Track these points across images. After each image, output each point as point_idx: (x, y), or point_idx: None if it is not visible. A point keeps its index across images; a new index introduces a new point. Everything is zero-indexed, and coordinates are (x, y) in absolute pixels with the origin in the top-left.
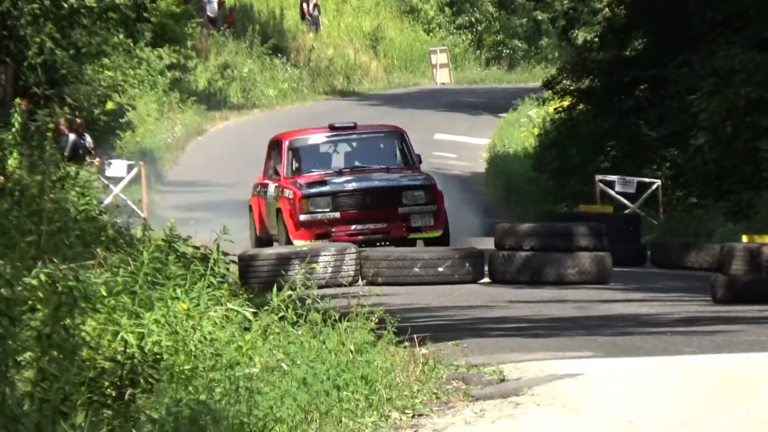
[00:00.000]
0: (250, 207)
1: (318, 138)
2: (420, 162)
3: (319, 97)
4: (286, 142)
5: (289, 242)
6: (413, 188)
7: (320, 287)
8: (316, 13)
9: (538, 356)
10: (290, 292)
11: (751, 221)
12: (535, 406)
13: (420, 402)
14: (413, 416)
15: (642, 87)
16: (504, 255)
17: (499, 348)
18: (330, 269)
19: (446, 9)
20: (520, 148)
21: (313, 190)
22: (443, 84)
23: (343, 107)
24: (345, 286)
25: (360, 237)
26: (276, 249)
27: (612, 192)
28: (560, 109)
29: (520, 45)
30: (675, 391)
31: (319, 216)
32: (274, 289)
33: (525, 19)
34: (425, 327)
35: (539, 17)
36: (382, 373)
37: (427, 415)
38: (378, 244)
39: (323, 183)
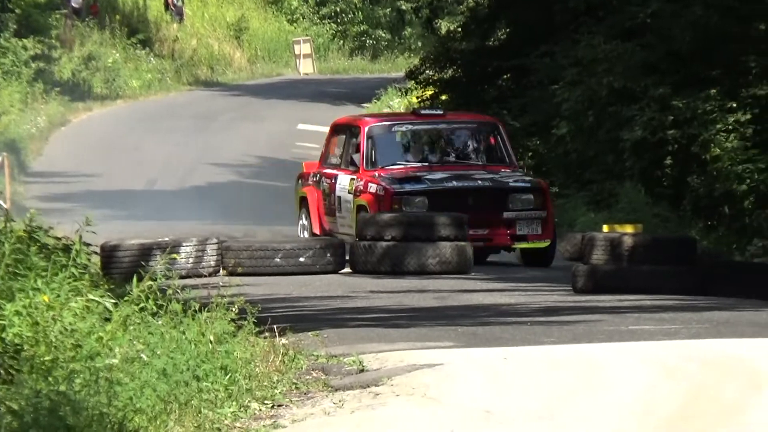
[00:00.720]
0: (302, 199)
1: (402, 125)
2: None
3: (183, 88)
4: (366, 129)
5: None
6: (521, 191)
7: (181, 278)
8: (179, 3)
9: (398, 346)
10: (150, 282)
11: (612, 211)
12: (394, 397)
13: (279, 392)
14: (272, 407)
15: (505, 77)
16: (365, 245)
17: (359, 338)
18: (191, 260)
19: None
20: None
21: (407, 188)
22: (306, 74)
23: (207, 98)
24: (206, 276)
25: None
26: (138, 240)
27: None
28: (423, 98)
29: (383, 35)
30: (534, 381)
31: None
32: (134, 279)
33: (389, 9)
34: (286, 317)
35: (403, 7)
36: (242, 363)
37: (286, 406)
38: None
39: (417, 179)
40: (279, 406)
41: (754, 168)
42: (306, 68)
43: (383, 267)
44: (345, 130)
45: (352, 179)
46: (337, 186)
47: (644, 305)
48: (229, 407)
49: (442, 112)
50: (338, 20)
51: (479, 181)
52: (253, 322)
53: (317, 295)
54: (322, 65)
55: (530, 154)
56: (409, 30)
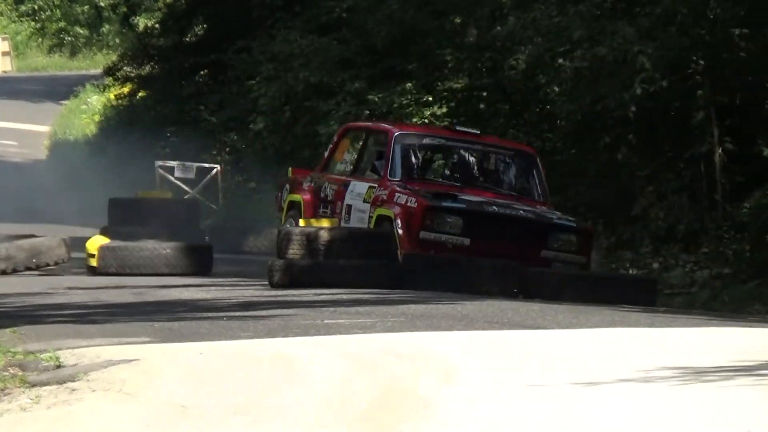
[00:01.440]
0: (291, 204)
1: (436, 138)
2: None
3: None
4: (395, 135)
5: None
6: (566, 230)
7: None
8: None
9: (95, 342)
10: None
11: None
12: (90, 392)
13: None
14: None
15: (202, 73)
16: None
17: (56, 335)
18: None
19: None
20: (81, 135)
21: (445, 204)
22: (5, 72)
23: None
24: None
25: None
26: None
27: (171, 178)
28: (121, 95)
29: (82, 32)
30: (231, 375)
31: (444, 238)
32: None
33: (86, 6)
34: None
35: (101, 4)
36: None
37: None
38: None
39: (453, 197)
40: None
41: None
42: (4, 66)
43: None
44: (363, 134)
45: (372, 187)
46: (348, 193)
47: (340, 299)
48: None
49: (478, 132)
50: (36, 17)
51: (521, 212)
52: None
53: (15, 292)
54: (21, 63)
55: (227, 149)
56: (107, 27)
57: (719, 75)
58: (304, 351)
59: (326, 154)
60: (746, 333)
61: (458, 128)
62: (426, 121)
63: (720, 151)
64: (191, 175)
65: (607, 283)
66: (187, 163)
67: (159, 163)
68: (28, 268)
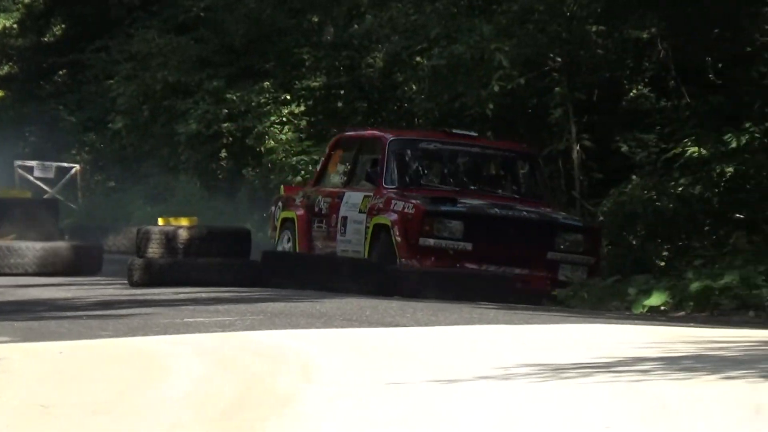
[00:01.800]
0: (285, 221)
1: (431, 143)
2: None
3: None
4: (389, 142)
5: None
6: (572, 229)
7: None
8: None
9: None
10: None
11: (168, 204)
12: None
13: None
14: None
15: (61, 72)
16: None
17: None
18: None
19: None
20: None
21: (444, 208)
22: None
23: None
24: None
25: None
26: None
27: (31, 177)
28: None
29: None
30: (91, 374)
31: (444, 244)
32: None
33: None
34: None
35: None
36: None
37: None
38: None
39: (453, 201)
40: None
41: (308, 159)
42: None
43: None
44: (356, 144)
45: (367, 197)
46: (342, 205)
47: (200, 297)
48: None
49: (475, 134)
50: None
51: (524, 213)
52: None
53: None
54: None
55: (87, 149)
56: None
57: (576, 72)
58: (164, 349)
59: (318, 167)
60: (605, 330)
61: (454, 131)
62: (284, 120)
63: (578, 147)
64: (51, 175)
65: (468, 280)
66: (47, 163)
67: (18, 162)
68: None
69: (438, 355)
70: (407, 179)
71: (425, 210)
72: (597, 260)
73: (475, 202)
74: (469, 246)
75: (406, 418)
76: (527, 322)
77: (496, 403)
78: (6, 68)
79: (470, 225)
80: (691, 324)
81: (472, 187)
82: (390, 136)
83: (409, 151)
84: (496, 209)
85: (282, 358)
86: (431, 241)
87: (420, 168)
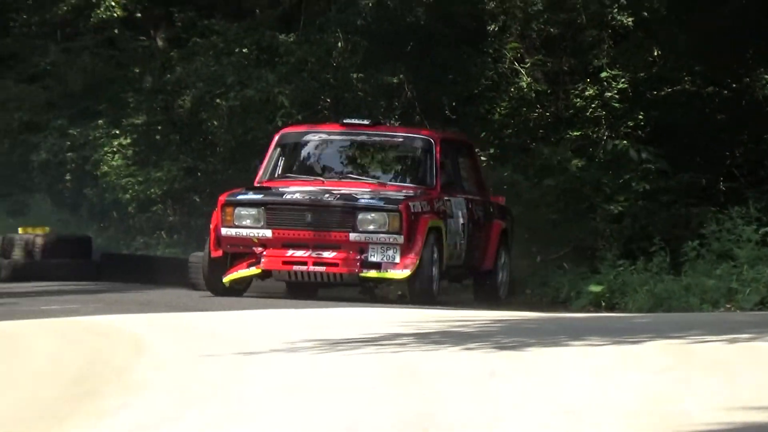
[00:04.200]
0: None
1: (318, 135)
2: (448, 182)
3: None
4: (277, 137)
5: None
6: (372, 209)
7: None
8: None
9: None
10: None
11: (27, 217)
12: None
13: None
14: None
15: None
16: None
17: None
18: None
19: None
20: None
21: (240, 197)
22: None
23: None
24: None
25: (296, 267)
26: None
27: None
28: None
29: None
30: None
31: (245, 232)
32: None
33: None
34: None
35: None
36: None
37: None
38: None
39: (265, 191)
40: None
41: (134, 181)
42: None
43: None
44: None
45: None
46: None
47: (53, 290)
48: None
49: (368, 123)
50: None
51: (326, 196)
52: None
53: None
54: None
55: None
56: None
57: (343, 110)
58: (24, 331)
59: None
60: (371, 312)
61: (345, 121)
62: (114, 150)
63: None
64: None
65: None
66: None
67: None
68: None
69: (240, 333)
70: (279, 172)
71: (224, 201)
72: (412, 240)
73: (303, 189)
74: (269, 233)
75: (216, 381)
76: (309, 307)
77: (286, 369)
78: None
79: (271, 211)
80: (441, 307)
81: (346, 174)
82: (280, 132)
83: (295, 144)
84: (298, 195)
85: (118, 336)
86: (233, 231)
87: (304, 159)
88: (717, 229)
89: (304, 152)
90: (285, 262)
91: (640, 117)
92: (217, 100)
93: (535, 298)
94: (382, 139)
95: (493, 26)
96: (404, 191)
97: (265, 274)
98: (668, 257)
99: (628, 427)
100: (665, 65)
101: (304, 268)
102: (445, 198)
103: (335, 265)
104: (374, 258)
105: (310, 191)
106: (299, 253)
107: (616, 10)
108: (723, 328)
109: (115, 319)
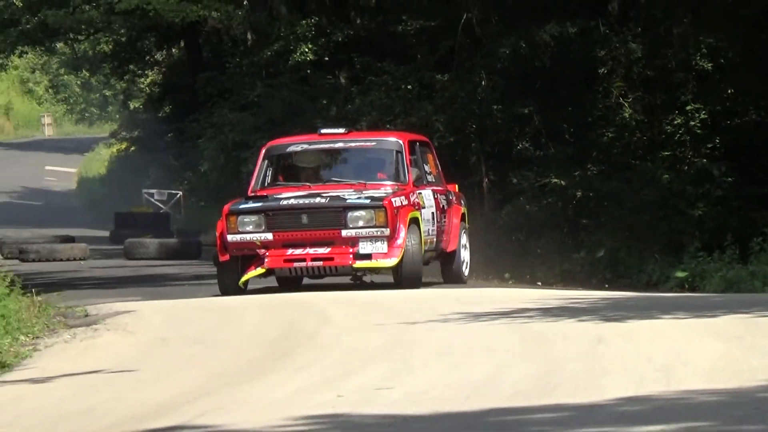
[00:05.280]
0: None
1: (300, 145)
2: (418, 177)
3: None
4: (264, 150)
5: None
6: (360, 207)
7: None
8: None
9: (108, 300)
10: None
11: None
12: (106, 331)
13: (37, 329)
14: (33, 338)
15: (170, 135)
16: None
17: (85, 296)
18: None
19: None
20: (97, 173)
21: (242, 206)
22: (49, 136)
23: None
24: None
25: (296, 264)
26: None
27: (152, 199)
28: (120, 150)
29: (95, 111)
30: (192, 320)
31: (249, 237)
32: None
33: (98, 95)
34: (41, 284)
35: (107, 93)
36: (14, 312)
37: (41, 337)
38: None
39: (262, 199)
40: (37, 337)
41: None
42: (49, 132)
43: None
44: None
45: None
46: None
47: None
48: (6, 339)
49: (343, 131)
50: (68, 102)
51: (318, 198)
52: (21, 287)
53: (57, 270)
54: (58, 130)
55: (186, 182)
56: (111, 107)
57: (484, 134)
58: (234, 305)
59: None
60: (502, 292)
61: (322, 131)
62: None
63: (486, 180)
64: (164, 198)
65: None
66: (162, 190)
67: (144, 190)
68: (67, 259)
69: (402, 309)
70: (268, 182)
71: (228, 210)
72: (394, 231)
73: (296, 194)
74: (270, 236)
75: (386, 344)
76: (458, 287)
77: (440, 335)
78: (136, 133)
79: (269, 218)
80: (559, 287)
81: (328, 179)
82: (267, 145)
83: (279, 156)
84: (292, 200)
85: (308, 309)
86: (238, 237)
87: (288, 169)
88: None
89: (289, 161)
90: (286, 260)
91: (717, 141)
92: (387, 126)
93: (641, 282)
94: (357, 144)
95: (602, 69)
96: (383, 189)
97: (269, 272)
98: (738, 250)
99: (707, 381)
100: (737, 100)
101: (303, 264)
102: (417, 191)
103: (331, 259)
104: (365, 250)
105: (301, 196)
106: (298, 251)
107: (699, 57)
108: None
109: (306, 296)
